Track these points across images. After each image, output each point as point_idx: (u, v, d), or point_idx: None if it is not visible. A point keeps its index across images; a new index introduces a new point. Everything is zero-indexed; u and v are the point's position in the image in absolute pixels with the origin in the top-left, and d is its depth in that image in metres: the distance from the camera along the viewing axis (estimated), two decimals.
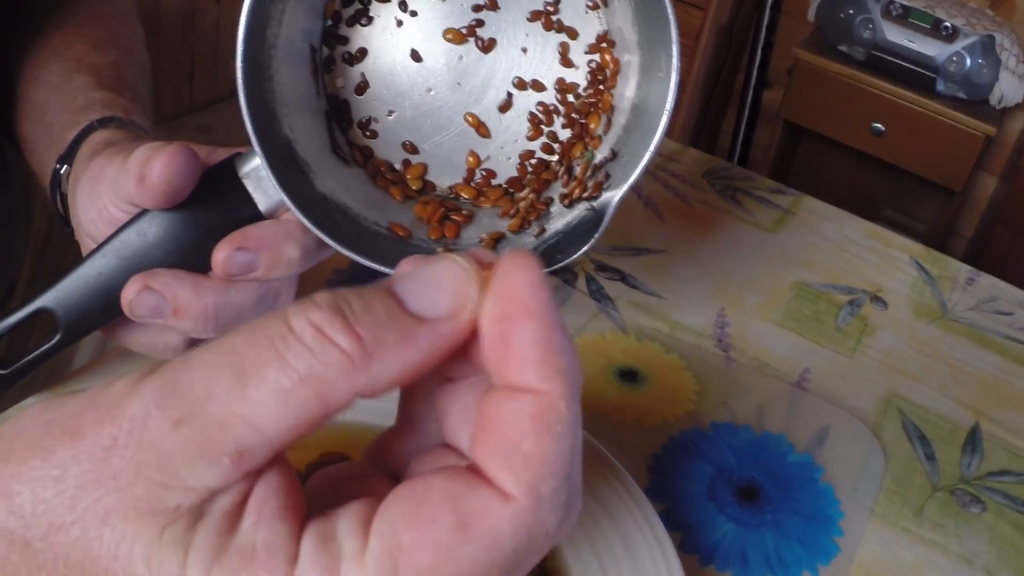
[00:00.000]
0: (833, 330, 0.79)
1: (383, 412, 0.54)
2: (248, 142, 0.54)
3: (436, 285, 0.32)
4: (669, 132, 0.56)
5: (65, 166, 0.66)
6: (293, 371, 0.30)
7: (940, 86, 2.51)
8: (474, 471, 0.31)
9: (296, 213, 0.54)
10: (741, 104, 2.90)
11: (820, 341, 0.78)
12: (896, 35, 2.52)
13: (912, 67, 2.52)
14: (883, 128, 2.59)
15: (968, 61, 2.47)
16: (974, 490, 0.68)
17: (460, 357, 0.34)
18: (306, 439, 0.31)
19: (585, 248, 0.56)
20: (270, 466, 0.31)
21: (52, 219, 0.96)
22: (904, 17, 2.51)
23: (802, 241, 0.90)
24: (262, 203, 0.56)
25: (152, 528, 0.30)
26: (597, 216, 0.58)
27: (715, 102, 2.98)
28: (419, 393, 0.36)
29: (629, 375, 0.71)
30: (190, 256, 0.57)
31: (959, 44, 2.47)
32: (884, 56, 2.55)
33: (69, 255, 0.94)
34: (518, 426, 0.31)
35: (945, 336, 0.82)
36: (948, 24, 2.47)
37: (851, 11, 2.57)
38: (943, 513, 0.66)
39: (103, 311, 0.58)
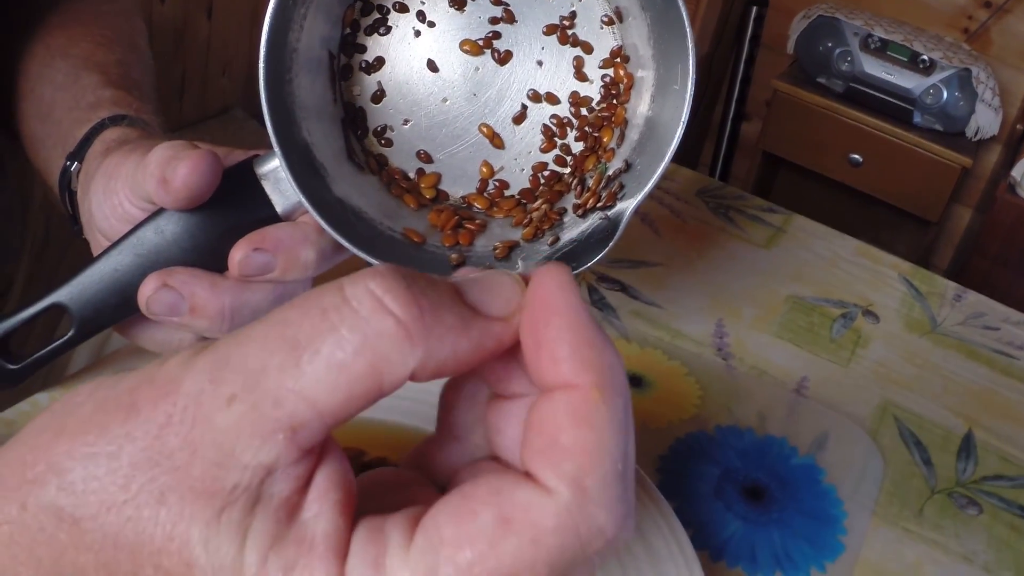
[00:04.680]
0: (828, 341, 0.79)
1: (402, 411, 0.53)
2: (267, 144, 0.52)
3: (491, 289, 0.31)
4: None
5: (75, 163, 0.63)
6: (347, 343, 0.28)
7: (917, 118, 2.50)
8: (523, 475, 0.29)
9: (313, 214, 0.53)
10: (719, 136, 2.87)
11: (816, 351, 0.78)
12: (874, 68, 2.51)
13: (889, 99, 2.51)
14: (860, 159, 2.58)
15: (945, 94, 2.46)
16: (970, 493, 0.69)
17: (514, 372, 0.33)
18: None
19: (600, 255, 0.54)
20: (329, 455, 0.30)
21: (49, 222, 0.93)
22: (882, 50, 2.50)
23: (794, 257, 0.90)
24: (279, 204, 0.54)
25: (209, 509, 0.28)
26: (611, 225, 0.56)
27: (692, 135, 2.93)
28: (462, 403, 0.35)
29: (634, 380, 0.70)
30: (207, 255, 0.55)
31: (936, 77, 2.46)
32: (862, 88, 2.54)
33: (67, 258, 0.92)
34: (556, 422, 0.29)
35: (936, 349, 0.82)
36: (925, 57, 2.46)
37: (830, 44, 2.55)
38: (942, 514, 0.66)
39: (118, 308, 0.56)
